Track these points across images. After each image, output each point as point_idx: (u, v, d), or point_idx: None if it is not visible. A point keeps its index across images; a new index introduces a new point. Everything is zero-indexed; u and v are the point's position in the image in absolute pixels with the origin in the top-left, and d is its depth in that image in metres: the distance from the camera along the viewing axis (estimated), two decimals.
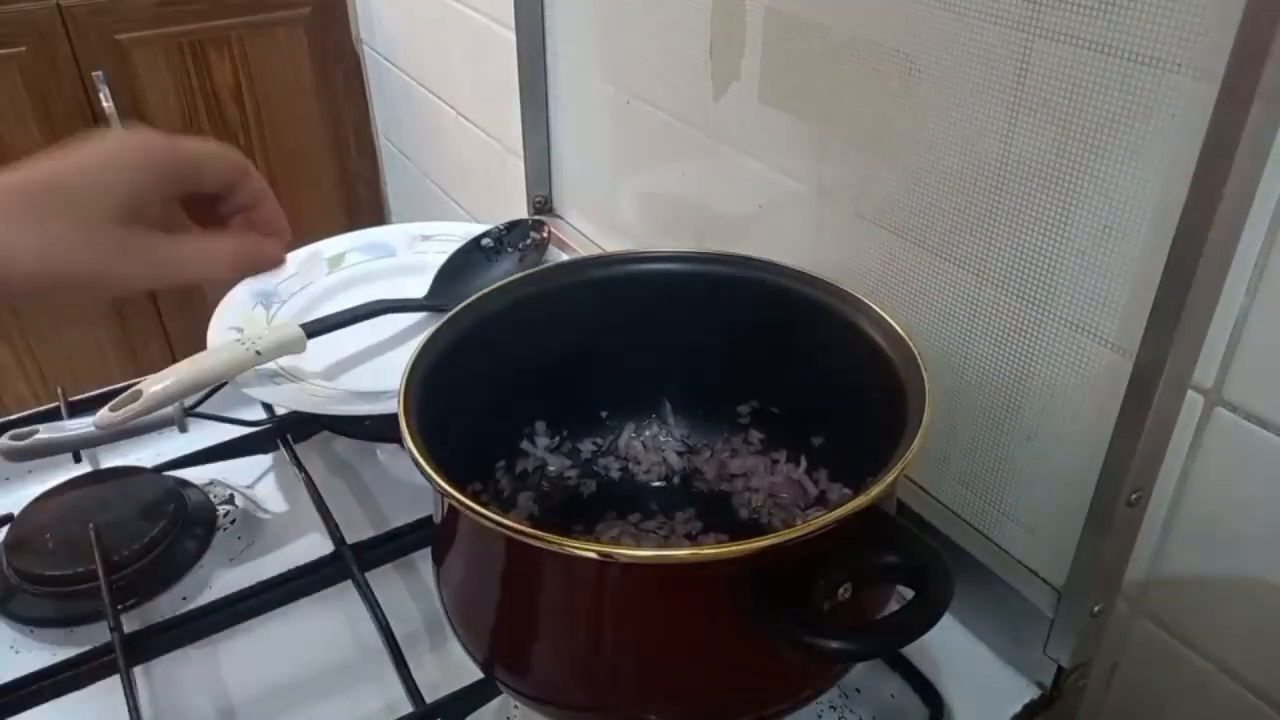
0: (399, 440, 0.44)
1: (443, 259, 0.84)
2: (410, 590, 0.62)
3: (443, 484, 0.41)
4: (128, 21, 1.34)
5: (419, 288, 0.82)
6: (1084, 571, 0.50)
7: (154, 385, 0.65)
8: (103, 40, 1.33)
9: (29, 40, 1.28)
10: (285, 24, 1.47)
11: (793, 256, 0.56)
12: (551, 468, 0.61)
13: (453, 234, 0.89)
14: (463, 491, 0.40)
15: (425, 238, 0.90)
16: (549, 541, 0.38)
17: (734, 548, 0.38)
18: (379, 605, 0.57)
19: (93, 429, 0.64)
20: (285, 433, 0.73)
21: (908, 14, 0.53)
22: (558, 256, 0.93)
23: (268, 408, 0.75)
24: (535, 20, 0.91)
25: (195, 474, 0.71)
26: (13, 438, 0.66)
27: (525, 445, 0.61)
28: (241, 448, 0.73)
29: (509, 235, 0.88)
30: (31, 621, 0.60)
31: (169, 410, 0.67)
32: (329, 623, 0.61)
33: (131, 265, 0.41)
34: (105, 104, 1.34)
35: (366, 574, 0.60)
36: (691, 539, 0.58)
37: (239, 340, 0.69)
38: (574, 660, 0.44)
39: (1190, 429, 0.47)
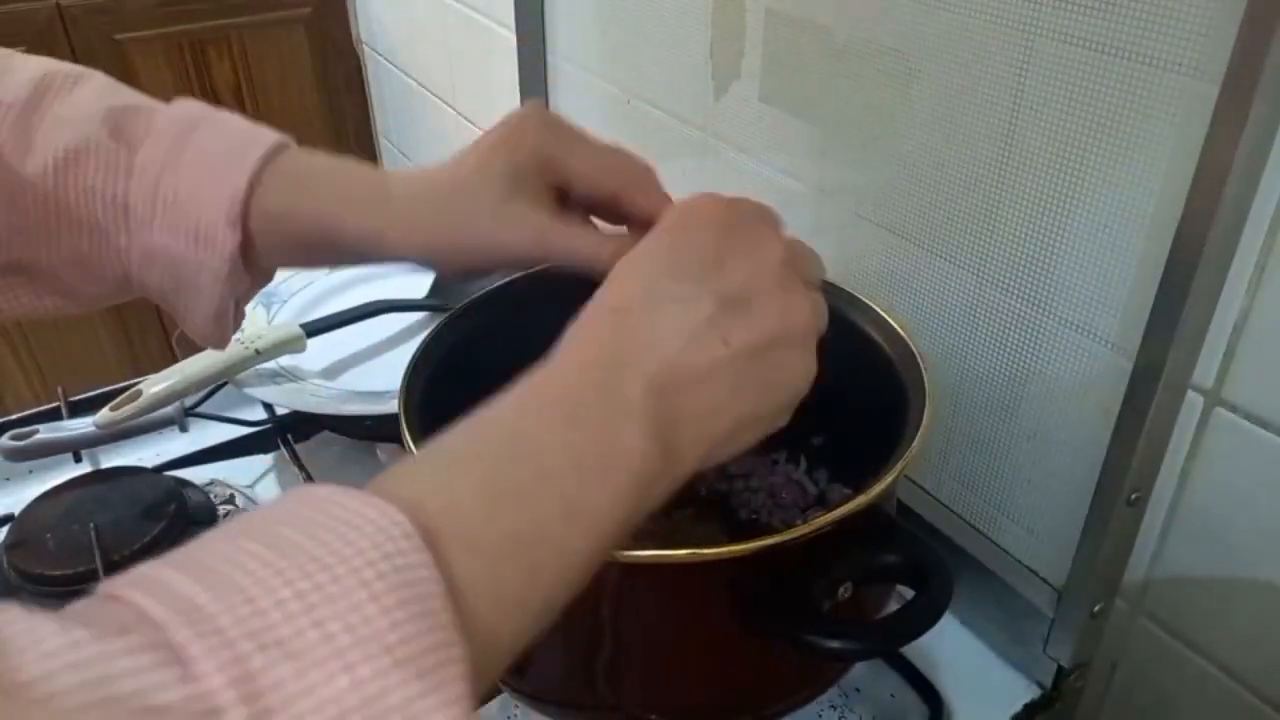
0: (399, 440, 0.44)
1: None
2: None
3: None
4: (127, 21, 1.34)
5: (419, 287, 0.82)
6: (1084, 571, 0.50)
7: (154, 385, 0.65)
8: (102, 40, 1.33)
9: (29, 40, 1.27)
10: (285, 24, 1.47)
11: None
12: None
13: None
14: None
15: None
16: None
17: (734, 548, 0.38)
18: None
19: (93, 429, 0.64)
20: (286, 433, 0.73)
21: (908, 14, 0.53)
22: None
23: (268, 407, 0.75)
24: (535, 20, 0.91)
25: (196, 474, 0.71)
26: (13, 438, 0.66)
27: None
28: (242, 448, 0.73)
29: None
30: None
31: (169, 410, 0.67)
32: None
33: (516, 235, 0.43)
34: None
35: None
36: (691, 540, 0.58)
37: (239, 340, 0.69)
38: (575, 660, 0.44)
39: (1190, 429, 0.47)
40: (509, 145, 0.43)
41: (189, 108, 0.45)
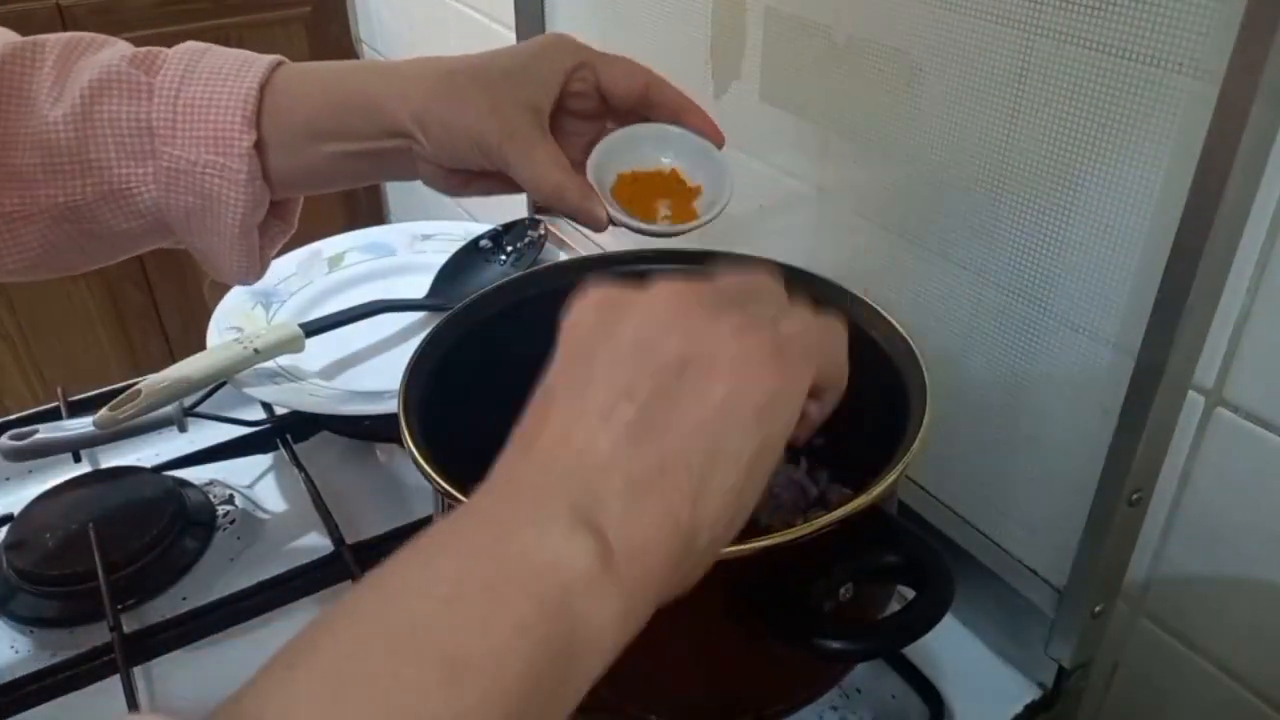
0: (399, 440, 0.44)
1: (443, 259, 0.84)
2: None
3: (443, 484, 0.41)
4: (127, 21, 1.34)
5: (419, 287, 0.82)
6: (1085, 571, 0.50)
7: (154, 385, 0.65)
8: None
9: None
10: (285, 23, 1.47)
11: (793, 256, 0.56)
12: None
13: (453, 234, 0.89)
14: (463, 491, 0.40)
15: (425, 237, 0.89)
16: None
17: (734, 548, 0.38)
18: None
19: (93, 429, 0.64)
20: (285, 433, 0.73)
21: (908, 14, 0.53)
22: (558, 256, 0.93)
23: (267, 408, 0.75)
24: (535, 20, 0.91)
25: (195, 474, 0.71)
26: (13, 438, 0.66)
27: None
28: (241, 448, 0.73)
29: (507, 235, 0.88)
30: (31, 621, 0.60)
31: (169, 410, 0.67)
32: None
33: (495, 139, 0.46)
34: None
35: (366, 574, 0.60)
36: None
37: (238, 340, 0.69)
38: None
39: (1191, 429, 0.47)
40: (538, 48, 0.48)
41: (196, 44, 0.50)
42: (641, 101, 0.50)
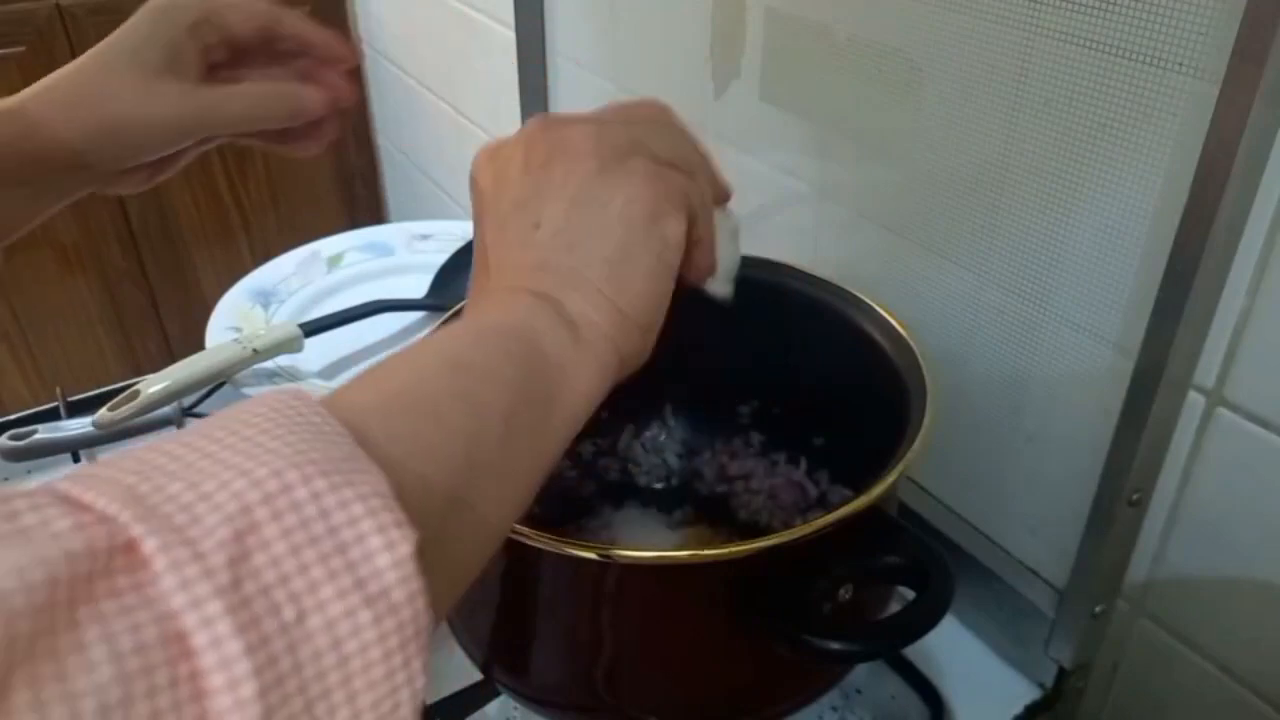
0: None
1: (442, 259, 0.84)
2: None
3: None
4: None
5: (418, 287, 0.82)
6: (1085, 572, 0.50)
7: (152, 385, 0.65)
8: (102, 40, 1.33)
9: (29, 40, 1.27)
10: None
11: (793, 256, 0.56)
12: None
13: (452, 234, 0.89)
14: None
15: (424, 237, 0.90)
16: (549, 542, 0.38)
17: (734, 548, 0.38)
18: None
19: (91, 429, 0.64)
20: None
21: (908, 13, 0.53)
22: None
23: None
24: (535, 19, 0.91)
25: None
26: (12, 438, 0.66)
27: None
28: None
29: None
30: None
31: (167, 410, 0.67)
32: None
33: (179, 109, 0.45)
34: None
35: None
36: (691, 540, 0.58)
37: (237, 340, 0.69)
38: (575, 661, 0.44)
39: (1191, 429, 0.47)
40: (154, 16, 0.46)
41: None
42: (267, 41, 0.48)
